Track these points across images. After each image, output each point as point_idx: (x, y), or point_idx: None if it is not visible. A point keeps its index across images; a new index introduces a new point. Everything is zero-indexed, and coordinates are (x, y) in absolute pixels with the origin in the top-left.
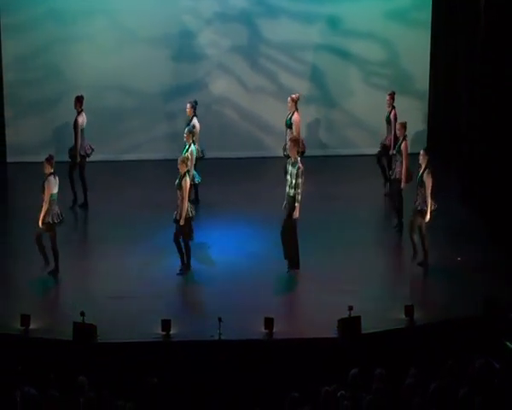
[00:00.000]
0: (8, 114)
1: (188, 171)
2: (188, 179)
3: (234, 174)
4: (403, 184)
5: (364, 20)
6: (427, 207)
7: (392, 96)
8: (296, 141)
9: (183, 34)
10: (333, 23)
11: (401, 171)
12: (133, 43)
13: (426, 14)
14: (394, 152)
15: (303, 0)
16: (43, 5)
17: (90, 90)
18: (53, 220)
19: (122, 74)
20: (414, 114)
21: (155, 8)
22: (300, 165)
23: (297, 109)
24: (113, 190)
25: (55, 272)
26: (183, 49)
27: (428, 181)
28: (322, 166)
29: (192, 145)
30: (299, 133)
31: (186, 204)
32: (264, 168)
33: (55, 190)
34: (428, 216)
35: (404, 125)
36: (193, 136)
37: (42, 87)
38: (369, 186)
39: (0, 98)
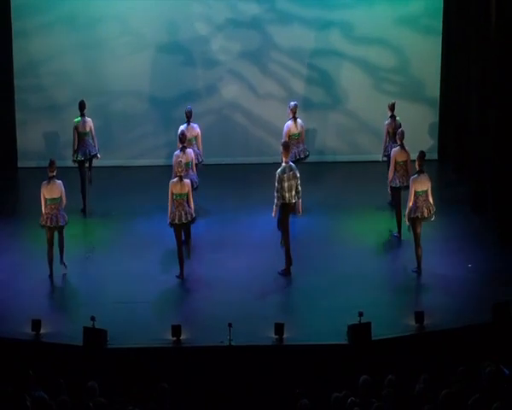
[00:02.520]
0: (18, 119)
1: (180, 176)
2: (170, 183)
3: (243, 180)
4: (388, 188)
5: (376, 27)
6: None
7: (389, 106)
8: (282, 146)
9: (195, 40)
10: (344, 29)
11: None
12: (145, 49)
13: (437, 21)
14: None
15: (314, 6)
16: (55, 11)
17: (101, 96)
18: (46, 223)
19: (133, 80)
20: (424, 121)
21: (166, 14)
22: (279, 169)
23: (294, 117)
24: (124, 195)
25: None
26: (195, 54)
27: (411, 185)
28: (332, 172)
29: (178, 150)
30: (285, 139)
31: (169, 208)
32: (273, 174)
33: (51, 196)
34: (407, 220)
35: (400, 134)
36: (181, 141)
37: (53, 93)
38: (378, 192)
39: (11, 104)
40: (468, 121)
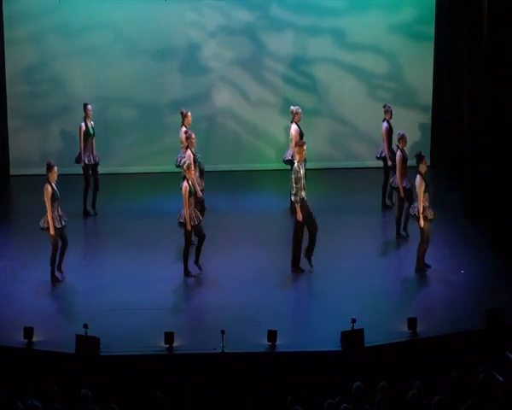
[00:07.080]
0: (11, 126)
1: (185, 177)
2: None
3: (237, 186)
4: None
5: (369, 34)
6: None
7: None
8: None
9: (188, 47)
10: (337, 36)
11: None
12: (137, 56)
13: (430, 28)
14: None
15: (307, 13)
16: (48, 18)
17: (94, 103)
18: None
19: (126, 87)
20: (417, 128)
21: (160, 21)
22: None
23: (292, 121)
24: (117, 201)
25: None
26: (188, 61)
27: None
28: (327, 179)
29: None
30: None
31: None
32: (266, 181)
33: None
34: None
35: (399, 138)
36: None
37: (46, 100)
38: (373, 198)
39: (4, 111)
40: (461, 127)
